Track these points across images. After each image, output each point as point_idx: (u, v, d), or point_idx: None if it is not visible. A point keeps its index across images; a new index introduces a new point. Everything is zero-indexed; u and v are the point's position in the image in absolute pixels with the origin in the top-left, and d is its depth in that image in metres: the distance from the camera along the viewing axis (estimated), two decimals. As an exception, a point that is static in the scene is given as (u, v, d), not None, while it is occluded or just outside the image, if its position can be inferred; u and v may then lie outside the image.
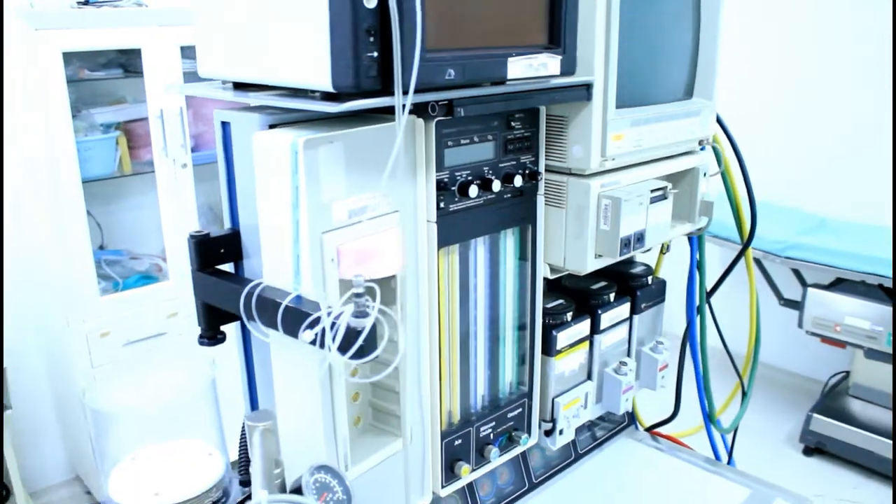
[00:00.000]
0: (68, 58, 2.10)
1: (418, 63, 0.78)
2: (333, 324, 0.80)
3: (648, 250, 1.30)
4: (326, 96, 0.84)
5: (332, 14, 0.78)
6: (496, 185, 1.08)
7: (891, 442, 2.65)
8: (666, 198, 1.23)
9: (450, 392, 1.15)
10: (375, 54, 0.78)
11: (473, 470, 1.20)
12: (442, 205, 1.03)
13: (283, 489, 0.88)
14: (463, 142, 1.04)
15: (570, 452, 1.52)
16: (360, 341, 0.80)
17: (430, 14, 0.80)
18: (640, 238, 1.20)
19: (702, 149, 1.36)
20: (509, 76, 0.90)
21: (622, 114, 1.14)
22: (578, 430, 1.55)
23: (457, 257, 1.10)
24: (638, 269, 1.47)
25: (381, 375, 0.96)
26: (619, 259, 1.17)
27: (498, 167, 1.10)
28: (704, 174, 1.36)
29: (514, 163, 1.12)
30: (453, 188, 1.04)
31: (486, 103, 0.93)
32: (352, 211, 0.91)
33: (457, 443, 1.17)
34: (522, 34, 0.92)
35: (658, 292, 1.48)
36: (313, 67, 0.81)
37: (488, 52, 0.88)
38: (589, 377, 1.38)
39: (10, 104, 2.18)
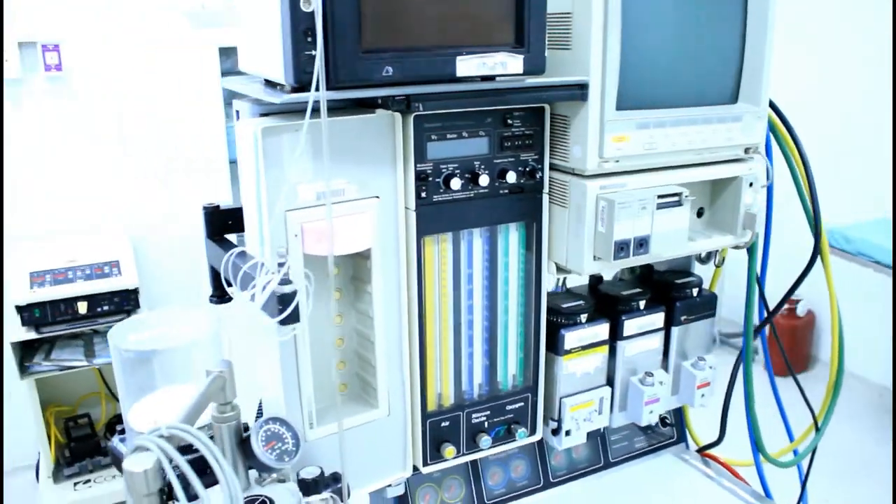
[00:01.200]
0: (224, 52, 2.43)
1: (348, 60, 0.86)
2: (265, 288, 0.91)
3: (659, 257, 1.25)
4: (294, 90, 0.95)
5: (281, 17, 0.88)
6: (483, 180, 1.12)
7: None
8: (681, 204, 1.19)
9: (440, 375, 1.21)
10: (314, 53, 0.88)
11: (462, 454, 1.25)
12: (424, 195, 1.10)
13: (238, 432, 1.01)
14: (449, 136, 1.09)
15: (599, 458, 1.50)
16: (289, 309, 0.90)
17: (369, 16, 0.88)
18: (642, 244, 1.16)
19: (749, 157, 1.28)
20: (459, 74, 0.95)
21: (627, 115, 1.12)
22: (615, 439, 1.52)
23: (449, 246, 1.16)
24: (685, 280, 1.41)
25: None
26: (613, 263, 1.15)
27: (492, 163, 1.14)
28: (751, 184, 1.28)
29: (512, 160, 1.15)
30: (437, 180, 1.10)
31: (445, 100, 0.98)
32: (320, 193, 1.01)
33: (444, 424, 1.22)
34: (487, 34, 0.96)
35: (705, 306, 1.41)
36: (276, 64, 0.92)
37: (434, 51, 0.93)
38: (610, 383, 1.36)
39: (168, 91, 2.54)
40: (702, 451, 1.57)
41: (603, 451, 1.50)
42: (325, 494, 0.96)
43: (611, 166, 1.14)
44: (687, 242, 1.22)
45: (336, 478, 1.07)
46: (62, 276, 2.32)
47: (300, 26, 0.86)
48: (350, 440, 1.15)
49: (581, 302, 1.33)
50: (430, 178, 1.09)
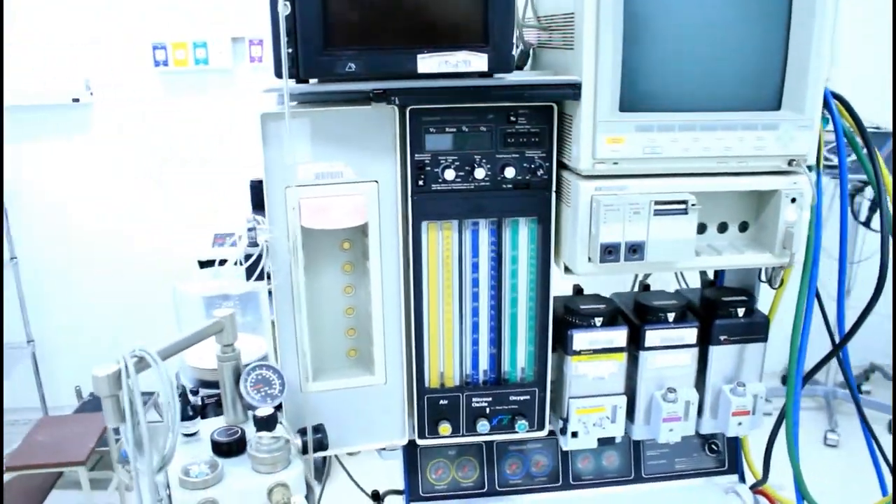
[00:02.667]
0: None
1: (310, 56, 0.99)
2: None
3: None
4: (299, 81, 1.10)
5: (270, 21, 1.03)
6: (480, 173, 1.18)
7: None
8: (686, 213, 1.13)
9: (443, 355, 1.28)
10: (291, 50, 1.01)
11: (461, 435, 1.31)
12: (421, 183, 1.18)
13: (236, 372, 1.18)
14: (448, 130, 1.17)
15: (630, 471, 1.45)
16: (259, 267, 1.06)
17: (334, 19, 1.00)
18: (635, 250, 1.13)
19: (794, 170, 1.17)
20: (420, 71, 1.02)
21: (625, 117, 1.10)
22: (651, 454, 1.47)
23: (453, 234, 1.23)
24: (733, 298, 1.32)
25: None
26: (600, 265, 1.14)
27: (494, 158, 1.19)
28: (793, 200, 1.17)
29: (516, 156, 1.19)
30: (436, 170, 1.18)
31: (419, 95, 1.06)
32: (318, 174, 1.15)
33: (442, 402, 1.30)
34: (453, 34, 1.03)
35: (752, 328, 1.31)
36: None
37: (397, 49, 1.01)
38: (632, 394, 1.32)
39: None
40: (753, 487, 1.44)
41: (635, 464, 1.45)
42: (277, 432, 1.10)
43: (607, 168, 1.13)
44: (692, 255, 1.15)
45: (318, 428, 1.21)
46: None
47: (278, 28, 1.00)
48: (350, 400, 1.28)
49: (602, 305, 1.31)
50: (429, 168, 1.18)
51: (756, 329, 1.31)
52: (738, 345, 1.31)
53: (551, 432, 1.34)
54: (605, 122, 1.10)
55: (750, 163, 1.16)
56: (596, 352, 1.29)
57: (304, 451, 1.18)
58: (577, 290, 1.42)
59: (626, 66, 1.09)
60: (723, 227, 1.25)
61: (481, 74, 1.07)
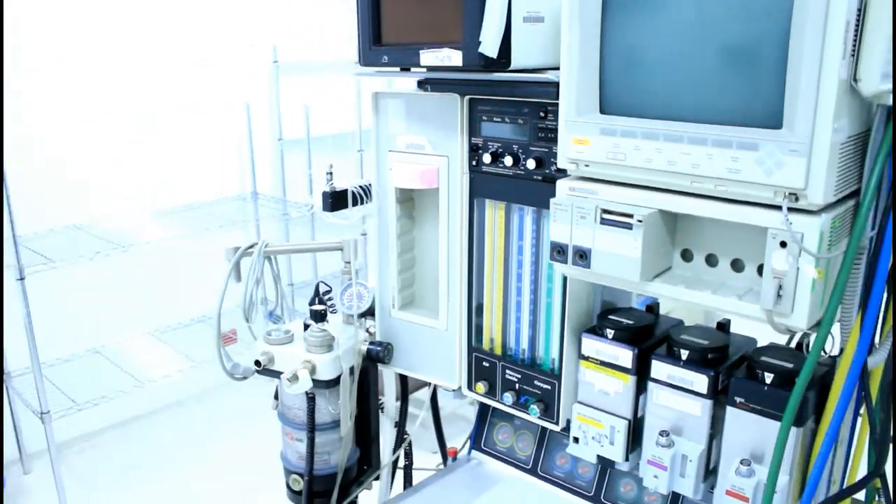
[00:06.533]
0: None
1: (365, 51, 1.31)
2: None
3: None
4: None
5: (368, 20, 1.38)
6: (508, 161, 1.28)
7: None
8: (630, 228, 1.02)
9: (493, 322, 1.42)
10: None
11: (492, 398, 1.43)
12: (475, 163, 1.35)
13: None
14: (495, 119, 1.31)
15: (665, 514, 1.31)
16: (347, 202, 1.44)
17: (376, 24, 1.28)
18: (582, 255, 1.08)
19: (798, 206, 0.92)
20: (422, 64, 1.21)
21: (594, 118, 1.07)
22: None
23: (503, 213, 1.36)
24: (771, 362, 1.08)
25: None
26: (555, 265, 1.13)
27: (528, 149, 1.27)
28: (782, 244, 0.93)
29: (545, 150, 1.25)
30: (486, 154, 1.33)
31: (434, 83, 1.26)
32: (408, 144, 1.44)
33: (484, 364, 1.44)
34: (444, 34, 1.19)
35: (778, 402, 1.05)
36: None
37: (411, 46, 1.23)
38: (639, 423, 1.22)
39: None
40: None
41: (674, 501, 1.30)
42: (325, 325, 1.47)
43: (579, 170, 1.11)
44: (637, 275, 1.03)
45: (385, 345, 1.53)
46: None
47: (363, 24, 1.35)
48: (420, 335, 1.54)
49: (627, 321, 1.24)
50: (481, 151, 1.34)
51: (783, 405, 1.04)
52: (758, 416, 1.07)
53: (565, 429, 1.34)
54: (571, 121, 1.09)
55: (730, 188, 0.96)
56: (603, 364, 1.24)
57: (369, 357, 1.53)
58: (649, 307, 1.33)
59: (604, 66, 1.06)
60: (712, 261, 1.05)
61: (487, 68, 1.19)
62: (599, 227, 1.07)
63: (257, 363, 1.47)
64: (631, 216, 1.03)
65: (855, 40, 0.87)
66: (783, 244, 0.93)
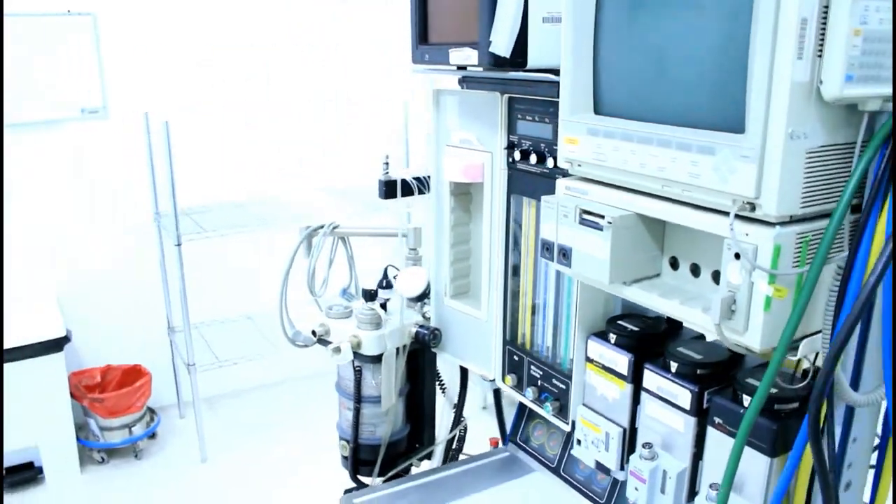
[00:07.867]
0: None
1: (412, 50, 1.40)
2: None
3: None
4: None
5: (427, 20, 1.46)
6: (532, 159, 1.30)
7: None
8: (601, 229, 1.00)
9: (525, 317, 1.44)
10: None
11: (519, 391, 1.45)
12: (510, 160, 1.38)
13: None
14: (528, 118, 1.33)
15: (667, 540, 1.25)
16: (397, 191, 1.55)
17: (421, 27, 1.36)
18: (565, 254, 1.08)
19: (756, 216, 0.86)
20: (451, 62, 1.27)
21: (584, 118, 1.07)
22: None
23: (534, 210, 1.38)
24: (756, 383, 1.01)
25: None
26: (542, 258, 1.13)
27: (552, 148, 1.28)
28: (736, 256, 0.88)
29: (566, 149, 1.25)
30: (520, 152, 1.36)
31: (468, 82, 1.31)
32: (461, 139, 1.50)
33: (515, 357, 1.47)
34: (469, 35, 1.23)
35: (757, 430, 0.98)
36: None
37: (442, 46, 1.29)
38: (633, 432, 1.19)
39: None
40: None
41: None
42: (376, 304, 1.57)
43: (573, 168, 1.11)
44: (606, 277, 1.01)
45: (432, 329, 1.61)
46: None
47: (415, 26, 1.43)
48: (466, 324, 1.59)
49: (633, 327, 1.21)
50: (515, 148, 1.37)
51: (763, 435, 0.97)
52: (734, 440, 1.01)
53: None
54: (565, 121, 1.09)
55: (694, 193, 0.92)
56: (604, 368, 1.22)
57: (417, 339, 1.62)
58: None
59: (597, 66, 1.05)
60: (697, 271, 0.99)
61: (508, 66, 1.22)
62: (578, 227, 1.06)
63: (314, 333, 1.61)
64: (602, 217, 1.02)
65: (821, 40, 0.80)
66: (737, 256, 0.87)
